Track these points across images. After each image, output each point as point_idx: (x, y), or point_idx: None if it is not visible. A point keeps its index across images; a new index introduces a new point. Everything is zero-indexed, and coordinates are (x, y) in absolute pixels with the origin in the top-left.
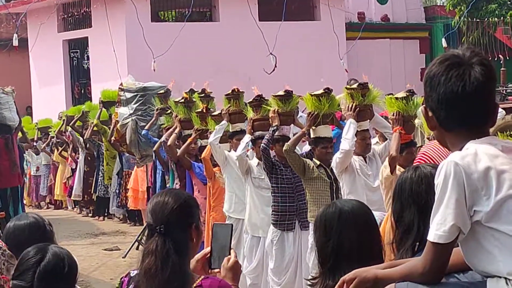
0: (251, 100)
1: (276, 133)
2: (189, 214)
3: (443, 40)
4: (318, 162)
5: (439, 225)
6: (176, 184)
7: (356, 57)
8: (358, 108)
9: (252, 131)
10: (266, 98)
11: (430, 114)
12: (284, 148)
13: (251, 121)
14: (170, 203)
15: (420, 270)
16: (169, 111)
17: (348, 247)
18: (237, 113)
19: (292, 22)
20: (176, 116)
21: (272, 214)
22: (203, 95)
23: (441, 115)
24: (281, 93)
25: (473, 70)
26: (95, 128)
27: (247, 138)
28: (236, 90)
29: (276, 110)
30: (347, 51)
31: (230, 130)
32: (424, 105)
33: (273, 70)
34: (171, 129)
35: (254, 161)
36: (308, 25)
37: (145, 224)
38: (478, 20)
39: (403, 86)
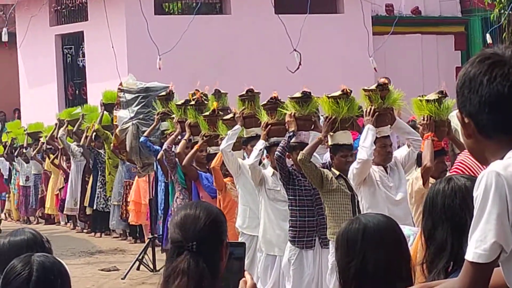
0: (265, 102)
1: (293, 140)
2: (221, 231)
3: (488, 35)
4: (337, 172)
5: (479, 243)
6: (177, 197)
7: (383, 54)
8: (377, 112)
9: (267, 136)
10: (282, 100)
11: (467, 120)
12: (298, 157)
13: (266, 125)
14: (202, 218)
15: None
16: (173, 115)
17: (373, 268)
18: (252, 117)
19: (312, 15)
20: (179, 121)
21: (289, 230)
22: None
23: (482, 119)
24: (298, 94)
25: None
26: (89, 133)
27: (260, 144)
28: (251, 90)
29: (293, 114)
30: (378, 48)
31: (244, 136)
32: (459, 111)
33: (297, 68)
34: (173, 136)
35: (268, 171)
36: (330, 18)
37: (147, 241)
38: None
39: (436, 87)
